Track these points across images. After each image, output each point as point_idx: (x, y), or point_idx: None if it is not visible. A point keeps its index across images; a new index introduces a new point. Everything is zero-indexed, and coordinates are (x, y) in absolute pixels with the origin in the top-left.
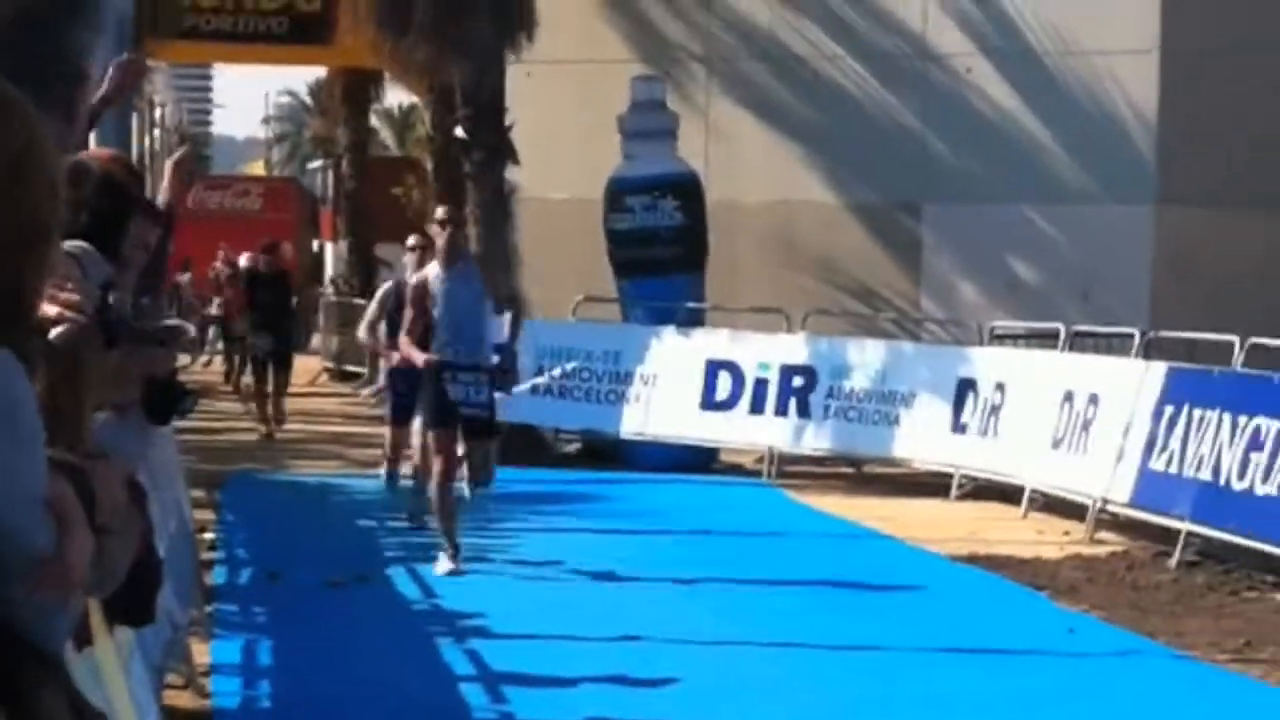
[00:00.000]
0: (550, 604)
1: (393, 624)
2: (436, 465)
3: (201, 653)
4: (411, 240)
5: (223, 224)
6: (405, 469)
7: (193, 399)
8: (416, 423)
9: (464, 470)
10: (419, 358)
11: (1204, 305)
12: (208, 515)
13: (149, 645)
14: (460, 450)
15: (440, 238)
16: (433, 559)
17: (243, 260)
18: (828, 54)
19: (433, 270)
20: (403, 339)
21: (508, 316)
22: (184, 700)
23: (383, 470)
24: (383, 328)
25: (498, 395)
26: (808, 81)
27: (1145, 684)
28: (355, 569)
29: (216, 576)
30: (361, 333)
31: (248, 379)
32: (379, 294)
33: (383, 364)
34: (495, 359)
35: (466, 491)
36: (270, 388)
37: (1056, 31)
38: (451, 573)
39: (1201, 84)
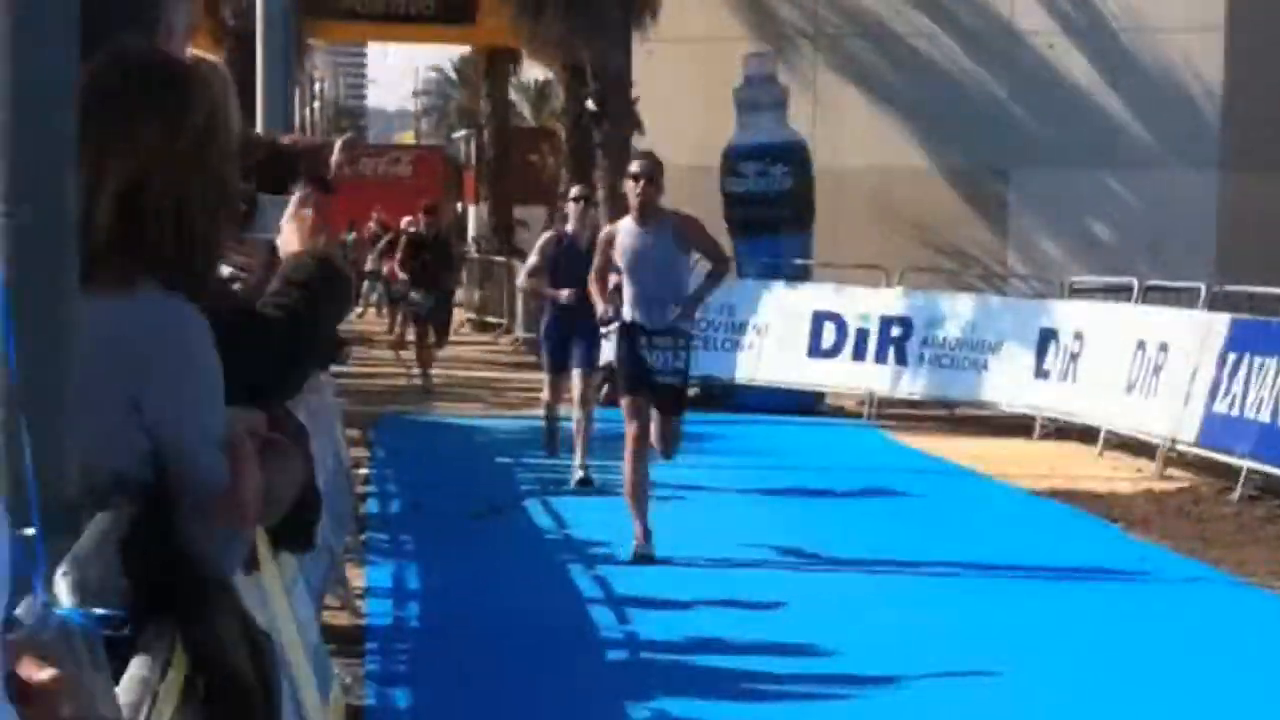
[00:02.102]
0: (671, 534)
1: (527, 551)
2: (629, 432)
3: (356, 577)
4: (574, 191)
5: (377, 188)
6: (564, 411)
7: (348, 349)
8: (575, 371)
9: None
10: (599, 306)
11: (1264, 260)
12: (361, 453)
13: (310, 570)
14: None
15: (634, 194)
16: (567, 491)
17: (404, 222)
18: (924, 32)
19: (625, 225)
20: (592, 285)
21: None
22: (341, 620)
23: (543, 416)
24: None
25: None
26: (905, 57)
27: (1208, 608)
28: (493, 501)
29: (369, 508)
30: (521, 279)
31: (410, 336)
32: (540, 242)
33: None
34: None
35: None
36: (431, 340)
37: (1131, 11)
38: (642, 558)
39: (1264, 58)
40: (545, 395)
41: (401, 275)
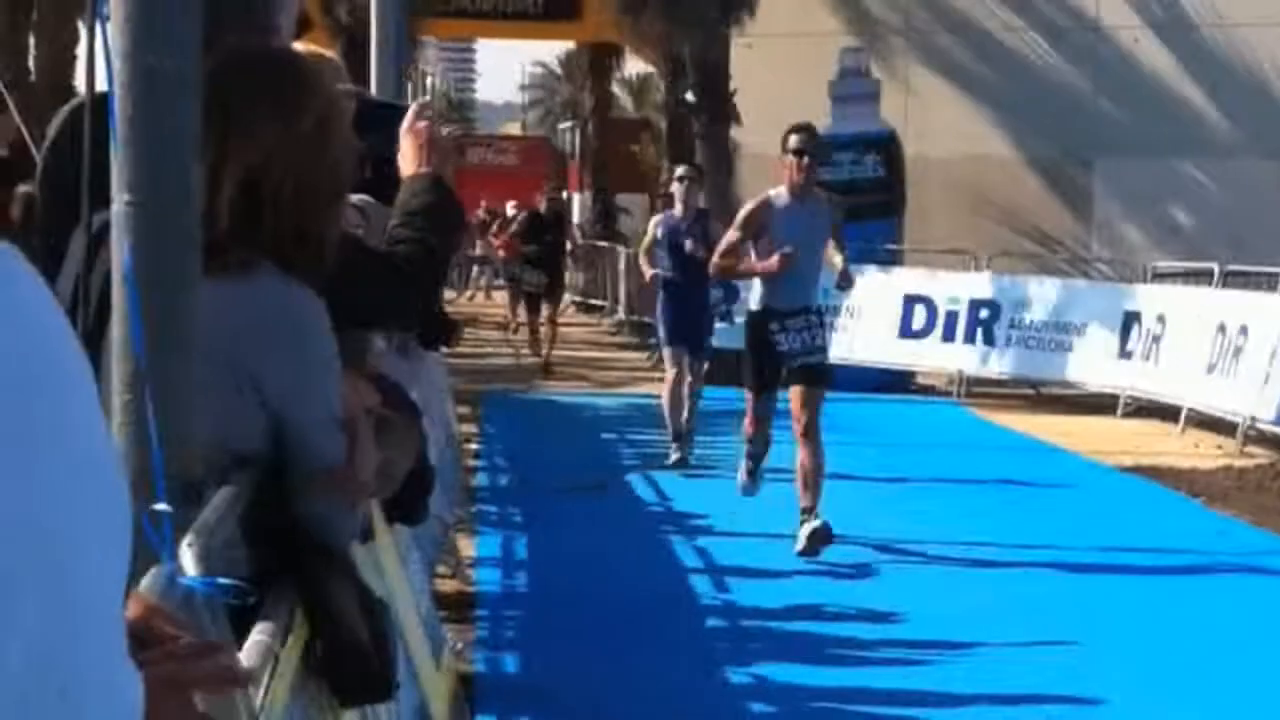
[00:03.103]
0: (767, 505)
1: (629, 523)
2: (747, 425)
3: (466, 547)
4: (680, 170)
5: (485, 177)
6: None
7: (460, 330)
8: (686, 356)
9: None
10: (771, 263)
11: None
12: (471, 429)
13: (422, 540)
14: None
15: (793, 169)
16: (668, 465)
17: (509, 208)
18: (1012, 27)
19: (778, 201)
20: (731, 262)
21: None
22: (452, 588)
23: (666, 403)
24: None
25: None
26: (994, 51)
27: None
28: (598, 475)
29: (479, 481)
30: (641, 259)
31: (522, 317)
32: (651, 224)
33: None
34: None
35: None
36: (543, 319)
37: (1211, 6)
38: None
39: None
40: (669, 375)
41: (521, 249)
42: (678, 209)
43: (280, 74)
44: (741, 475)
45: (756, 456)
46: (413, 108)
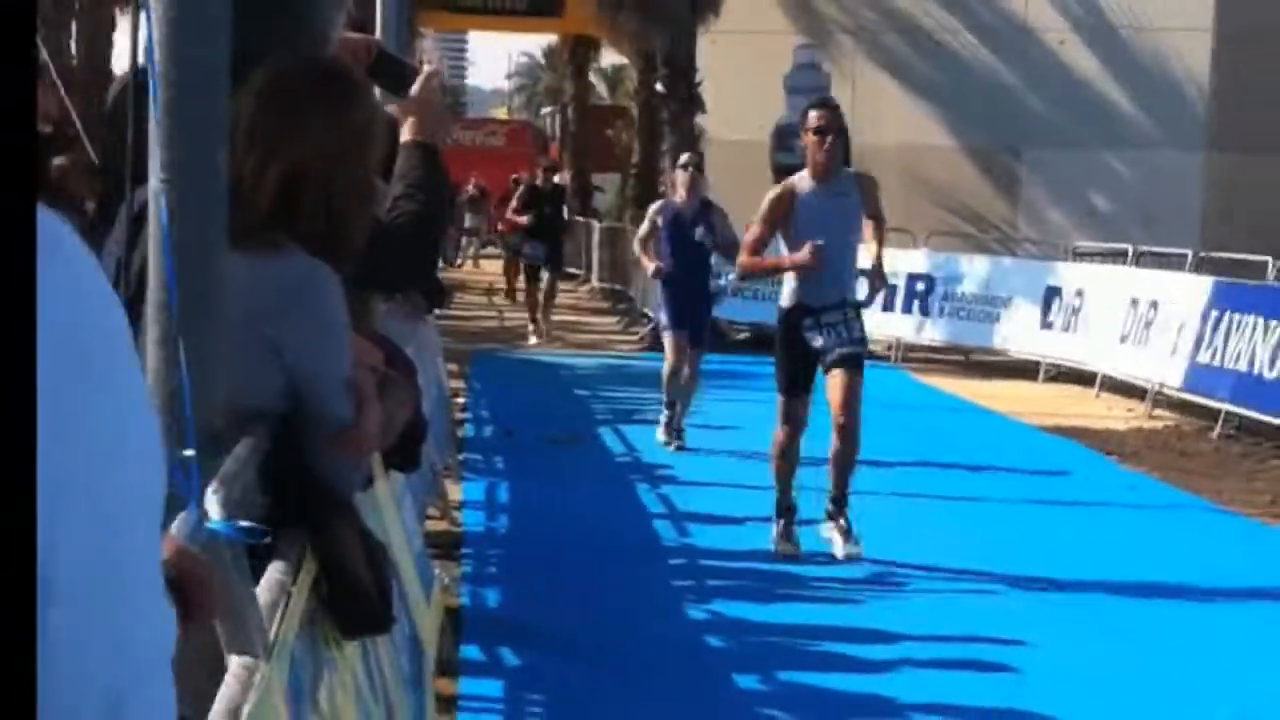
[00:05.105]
0: (724, 460)
1: (602, 472)
2: (780, 434)
3: (454, 491)
4: (684, 158)
5: (474, 156)
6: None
7: (450, 295)
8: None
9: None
10: (802, 256)
11: (1243, 231)
12: (459, 385)
13: (415, 486)
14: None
15: (819, 150)
16: (638, 420)
17: (514, 179)
18: (949, 28)
19: (802, 188)
20: (761, 261)
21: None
22: (441, 527)
23: (664, 387)
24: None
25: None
26: (933, 50)
27: (1189, 531)
28: (573, 428)
29: (466, 432)
30: (636, 247)
31: (520, 284)
32: (651, 211)
33: (653, 286)
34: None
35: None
36: (542, 291)
37: (1131, 11)
38: (787, 556)
39: (1246, 55)
40: (669, 359)
41: (520, 220)
42: (680, 195)
43: (334, 83)
44: (774, 535)
45: (786, 509)
46: (422, 77)
